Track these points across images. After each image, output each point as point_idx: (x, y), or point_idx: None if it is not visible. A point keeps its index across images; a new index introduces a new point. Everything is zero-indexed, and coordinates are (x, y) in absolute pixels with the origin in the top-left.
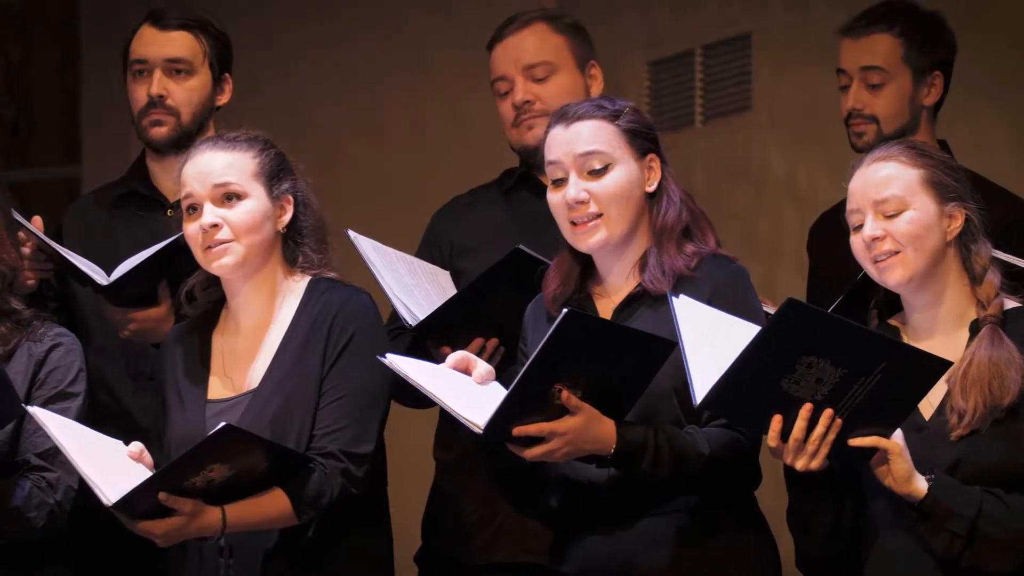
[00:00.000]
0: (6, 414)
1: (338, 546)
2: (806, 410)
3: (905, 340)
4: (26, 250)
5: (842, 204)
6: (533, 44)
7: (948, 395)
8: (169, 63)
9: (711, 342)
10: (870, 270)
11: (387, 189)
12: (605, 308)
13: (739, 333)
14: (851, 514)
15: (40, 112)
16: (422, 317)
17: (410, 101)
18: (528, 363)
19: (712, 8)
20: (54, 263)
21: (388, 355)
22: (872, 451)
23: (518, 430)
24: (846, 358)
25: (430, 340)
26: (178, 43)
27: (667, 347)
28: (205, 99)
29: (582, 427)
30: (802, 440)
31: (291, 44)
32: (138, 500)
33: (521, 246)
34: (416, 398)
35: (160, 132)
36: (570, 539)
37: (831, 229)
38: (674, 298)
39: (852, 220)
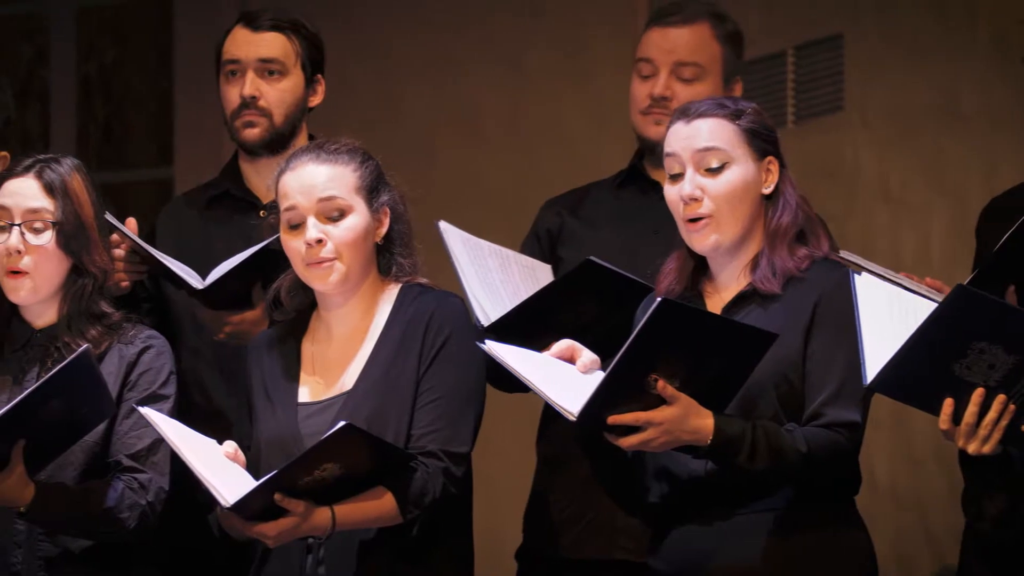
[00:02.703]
0: (99, 414)
1: (427, 547)
2: (978, 395)
3: None
4: (120, 252)
5: (1012, 191)
6: (692, 44)
7: None
8: (262, 64)
9: (890, 322)
10: None
11: (480, 188)
12: (715, 305)
13: (922, 312)
14: None
15: (133, 114)
16: (495, 318)
17: (505, 101)
18: (621, 352)
19: (804, 9)
20: (148, 265)
21: (487, 341)
22: None
23: (613, 419)
24: (1019, 345)
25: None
26: (271, 44)
27: (767, 339)
28: (298, 100)
29: (679, 417)
30: (974, 424)
31: (384, 43)
32: (252, 501)
33: (592, 258)
34: (511, 382)
35: (253, 134)
36: (667, 532)
37: (998, 215)
38: (856, 276)
39: None
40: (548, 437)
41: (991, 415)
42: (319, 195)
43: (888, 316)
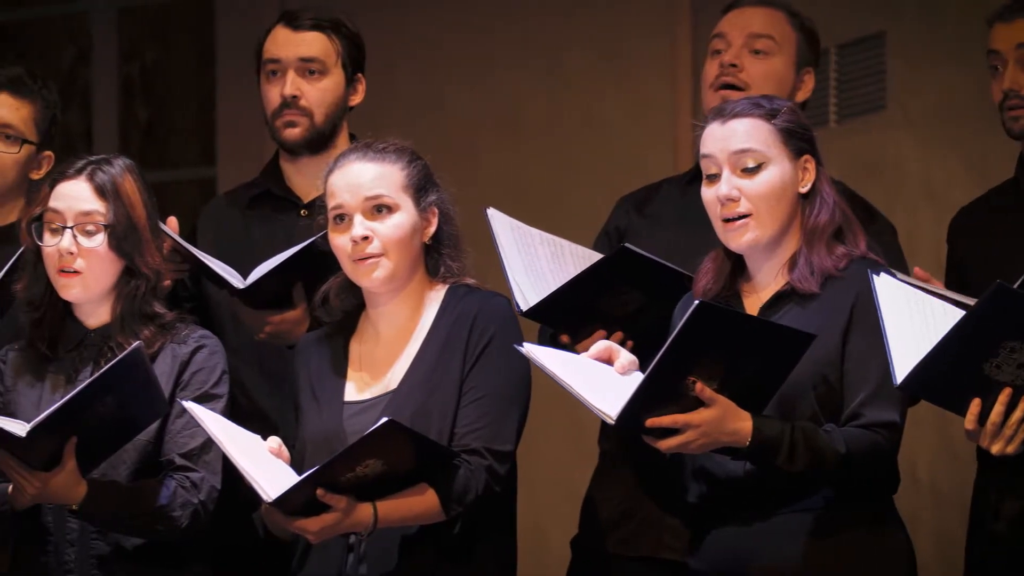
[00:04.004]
0: (152, 413)
1: (470, 545)
2: (1005, 395)
3: None
4: (164, 252)
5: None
6: (767, 20)
7: None
8: (302, 63)
9: (912, 322)
10: None
11: (520, 187)
12: (752, 305)
13: (940, 314)
14: None
15: (175, 113)
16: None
17: (545, 100)
18: (659, 354)
19: (846, 7)
20: (189, 264)
21: (525, 344)
22: None
23: (651, 421)
24: None
25: (550, 328)
26: (311, 43)
27: (804, 340)
28: (338, 99)
29: (717, 419)
30: (1000, 424)
31: (425, 43)
32: (294, 497)
33: (627, 245)
34: None
35: (293, 133)
36: (706, 532)
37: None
38: (875, 276)
39: None
40: (609, 434)
41: (1017, 414)
42: (366, 193)
43: (909, 316)
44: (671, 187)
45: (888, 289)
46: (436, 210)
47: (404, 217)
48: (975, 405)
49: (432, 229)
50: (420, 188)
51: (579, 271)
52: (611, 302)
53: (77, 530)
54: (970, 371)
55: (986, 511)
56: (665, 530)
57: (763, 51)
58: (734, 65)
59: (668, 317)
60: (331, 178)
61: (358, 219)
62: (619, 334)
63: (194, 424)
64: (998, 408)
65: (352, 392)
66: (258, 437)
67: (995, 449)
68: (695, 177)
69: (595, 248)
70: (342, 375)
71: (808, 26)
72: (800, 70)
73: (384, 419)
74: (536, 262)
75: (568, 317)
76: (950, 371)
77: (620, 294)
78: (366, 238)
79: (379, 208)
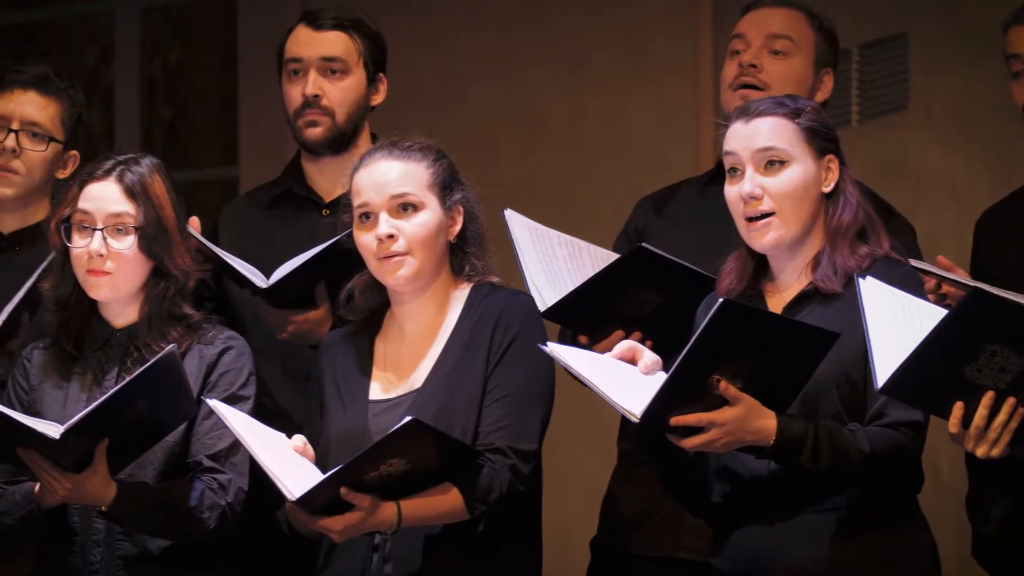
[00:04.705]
0: (181, 415)
1: (494, 545)
2: (988, 398)
3: None
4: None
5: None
6: (785, 20)
7: None
8: (324, 62)
9: (897, 325)
10: None
11: (542, 188)
12: (775, 305)
13: (926, 317)
14: None
15: (198, 113)
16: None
17: (567, 101)
18: (684, 352)
19: (868, 8)
20: (212, 264)
21: (549, 344)
22: None
23: (676, 420)
24: None
25: (569, 329)
26: (333, 43)
27: (829, 339)
28: (360, 99)
29: (741, 418)
30: (983, 428)
31: (448, 43)
32: (318, 495)
33: (644, 244)
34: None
35: (315, 133)
36: (730, 532)
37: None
38: (860, 279)
39: None
40: (628, 434)
41: (1000, 418)
42: (391, 191)
43: (893, 319)
44: (690, 188)
45: (873, 292)
46: (461, 209)
47: (429, 215)
48: (958, 408)
49: (457, 228)
50: (446, 186)
51: (596, 271)
52: (629, 302)
53: (103, 530)
54: (951, 375)
55: (976, 514)
56: (684, 530)
57: (782, 51)
58: (753, 65)
59: (686, 317)
60: (356, 176)
61: (383, 217)
62: (637, 334)
63: (222, 425)
64: (981, 412)
65: (377, 391)
66: (283, 435)
67: (980, 452)
68: (714, 178)
69: (615, 249)
70: (367, 374)
71: (827, 26)
72: (819, 70)
73: (408, 418)
74: (554, 263)
75: (586, 317)
76: (931, 375)
77: (638, 294)
78: (391, 236)
79: (405, 206)
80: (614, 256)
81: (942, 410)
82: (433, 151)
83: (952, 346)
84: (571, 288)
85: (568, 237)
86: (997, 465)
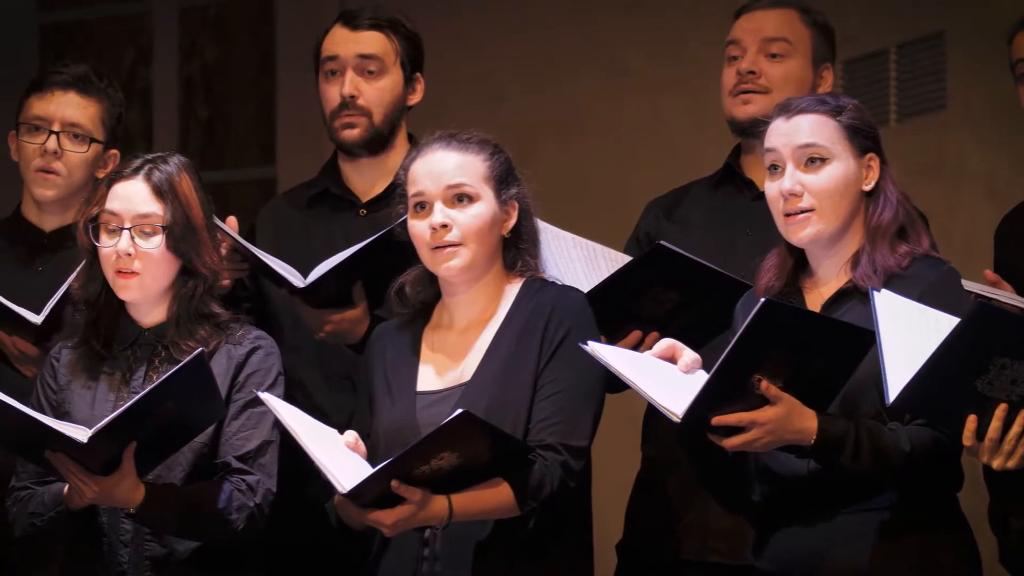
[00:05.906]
0: (210, 417)
1: (545, 542)
2: (1001, 411)
3: None
4: (221, 250)
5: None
6: (779, 22)
7: None
8: (361, 62)
9: (911, 338)
10: None
11: (581, 189)
12: (814, 301)
13: (943, 329)
14: None
15: (236, 113)
16: None
17: (606, 102)
18: (725, 352)
19: (906, 7)
20: (249, 264)
21: (590, 343)
22: None
23: (717, 419)
24: None
25: None
26: (370, 42)
27: (869, 338)
28: (397, 99)
29: (782, 417)
30: (997, 440)
31: (486, 43)
32: (369, 488)
33: (662, 242)
34: (614, 382)
35: (352, 134)
36: (771, 532)
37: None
38: (875, 292)
39: None
40: (651, 438)
41: (1015, 430)
42: (447, 181)
43: (907, 332)
44: (700, 190)
45: (888, 305)
46: (516, 204)
47: (484, 208)
48: (971, 421)
49: (512, 223)
50: (502, 180)
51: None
52: (646, 302)
53: (131, 531)
54: (963, 389)
55: (997, 526)
56: (712, 533)
57: (779, 54)
58: (752, 72)
59: (703, 316)
60: (413, 165)
61: (438, 207)
62: (655, 334)
63: (250, 427)
64: (995, 424)
65: (424, 382)
66: (334, 430)
67: (996, 464)
68: (723, 179)
69: (625, 252)
70: (415, 364)
71: (822, 21)
72: (818, 66)
73: (458, 410)
74: (570, 264)
75: (604, 318)
76: (942, 389)
77: (656, 294)
78: (445, 226)
79: (460, 197)
80: (628, 259)
81: (956, 424)
82: (491, 145)
83: (961, 360)
84: (588, 289)
85: (583, 240)
86: (1015, 476)
